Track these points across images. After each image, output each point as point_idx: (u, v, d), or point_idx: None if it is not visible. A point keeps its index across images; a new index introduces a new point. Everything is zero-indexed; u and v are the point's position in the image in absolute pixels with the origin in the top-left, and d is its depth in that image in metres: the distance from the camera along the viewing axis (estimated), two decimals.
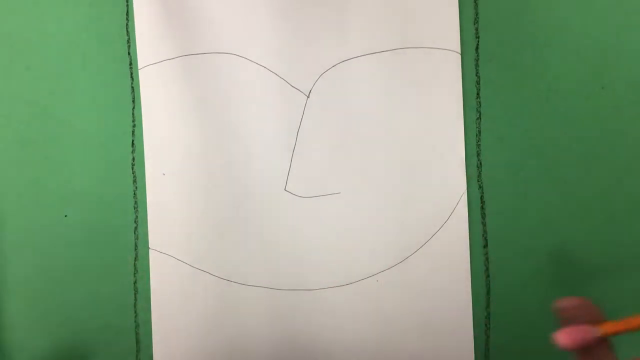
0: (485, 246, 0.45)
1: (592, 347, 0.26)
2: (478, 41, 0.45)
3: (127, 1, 0.47)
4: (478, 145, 0.45)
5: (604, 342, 0.27)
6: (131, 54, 0.47)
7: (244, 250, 0.46)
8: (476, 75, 0.45)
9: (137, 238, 0.47)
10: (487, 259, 0.45)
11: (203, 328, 0.47)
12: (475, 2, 0.45)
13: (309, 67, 0.46)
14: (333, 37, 0.45)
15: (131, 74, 0.47)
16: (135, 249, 0.47)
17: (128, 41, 0.47)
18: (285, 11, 0.46)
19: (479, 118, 0.45)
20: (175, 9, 0.46)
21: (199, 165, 0.46)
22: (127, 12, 0.47)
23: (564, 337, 0.26)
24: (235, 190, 0.46)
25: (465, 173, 0.45)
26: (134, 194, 0.47)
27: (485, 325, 0.45)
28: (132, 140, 0.47)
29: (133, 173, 0.47)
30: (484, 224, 0.45)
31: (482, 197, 0.45)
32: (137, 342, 0.47)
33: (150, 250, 0.47)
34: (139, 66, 0.47)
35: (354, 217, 0.46)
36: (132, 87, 0.47)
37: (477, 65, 0.45)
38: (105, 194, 0.47)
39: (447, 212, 0.45)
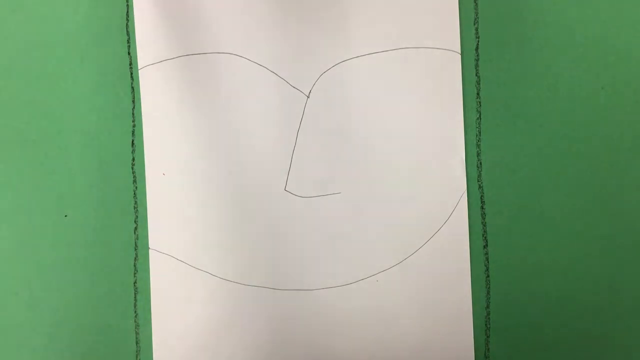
0: (485, 246, 0.45)
1: None
2: (478, 41, 0.45)
3: (127, 1, 0.47)
4: (478, 145, 0.45)
5: None
6: (131, 54, 0.47)
7: (244, 250, 0.46)
8: (476, 75, 0.45)
9: (137, 238, 0.47)
10: (487, 259, 0.45)
11: (203, 328, 0.47)
12: (475, 2, 0.45)
13: (309, 67, 0.46)
14: (333, 37, 0.45)
15: (131, 74, 0.47)
16: (135, 249, 0.47)
17: (128, 41, 0.47)
18: (285, 11, 0.46)
19: (479, 118, 0.45)
20: (175, 9, 0.46)
21: (199, 165, 0.46)
22: (127, 12, 0.47)
23: None
24: (235, 190, 0.46)
25: (465, 173, 0.45)
26: (134, 194, 0.47)
27: (485, 325, 0.45)
28: (132, 140, 0.47)
29: (133, 173, 0.47)
30: (484, 224, 0.45)
31: (482, 197, 0.45)
32: (137, 342, 0.47)
33: (150, 250, 0.47)
34: (139, 66, 0.47)
35: (354, 217, 0.46)
36: (132, 87, 0.47)
37: (477, 65, 0.45)
38: (105, 194, 0.47)
39: (447, 212, 0.45)
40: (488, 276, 0.45)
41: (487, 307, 0.45)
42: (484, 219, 0.45)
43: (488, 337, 0.45)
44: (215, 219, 0.46)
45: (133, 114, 0.47)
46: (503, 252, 0.45)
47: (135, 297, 0.47)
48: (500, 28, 0.45)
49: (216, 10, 0.46)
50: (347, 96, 0.46)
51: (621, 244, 0.44)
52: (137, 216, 0.47)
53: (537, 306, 0.45)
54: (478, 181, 0.45)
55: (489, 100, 0.45)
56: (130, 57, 0.47)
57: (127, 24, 0.47)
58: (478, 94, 0.45)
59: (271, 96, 0.46)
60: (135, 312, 0.47)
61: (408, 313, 0.45)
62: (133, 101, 0.47)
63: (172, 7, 0.46)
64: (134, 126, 0.47)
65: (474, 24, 0.45)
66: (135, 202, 0.47)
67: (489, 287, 0.45)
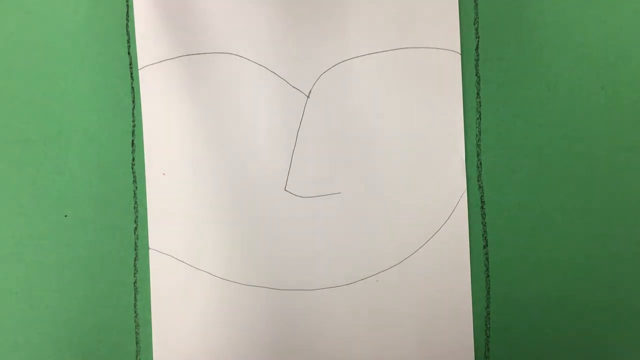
0: (485, 246, 0.45)
1: None
2: (478, 41, 0.45)
3: (127, 1, 0.47)
4: (478, 145, 0.45)
5: None
6: (131, 54, 0.47)
7: (244, 251, 0.46)
8: (476, 75, 0.45)
9: (137, 238, 0.47)
10: (487, 259, 0.45)
11: (203, 328, 0.47)
12: (475, 2, 0.45)
13: (309, 67, 0.46)
14: (333, 37, 0.45)
15: (131, 74, 0.47)
16: (135, 249, 0.47)
17: (128, 41, 0.47)
18: (285, 11, 0.46)
19: (479, 118, 0.45)
20: (175, 9, 0.46)
21: (199, 165, 0.46)
22: (127, 12, 0.47)
23: None
24: (235, 190, 0.46)
25: (465, 173, 0.45)
26: (134, 194, 0.47)
27: (485, 325, 0.45)
28: (132, 140, 0.47)
29: (133, 173, 0.47)
30: (484, 224, 0.45)
31: (482, 197, 0.45)
32: (137, 342, 0.47)
33: (150, 250, 0.47)
34: (139, 66, 0.47)
35: (354, 217, 0.46)
36: (132, 87, 0.47)
37: (477, 65, 0.45)
38: (105, 194, 0.47)
39: (447, 212, 0.45)
40: (488, 276, 0.45)
41: (487, 307, 0.45)
42: (484, 219, 0.45)
43: (488, 337, 0.45)
44: (215, 219, 0.46)
45: (133, 114, 0.47)
46: (503, 252, 0.45)
47: (135, 297, 0.47)
48: (500, 28, 0.45)
49: (216, 10, 0.46)
50: (347, 96, 0.46)
51: (621, 244, 0.44)
52: (137, 216, 0.47)
53: (537, 306, 0.45)
54: (478, 181, 0.45)
55: (489, 100, 0.45)
56: (130, 57, 0.47)
57: (127, 24, 0.47)
58: (478, 94, 0.45)
59: (271, 96, 0.46)
60: (135, 312, 0.47)
61: (408, 313, 0.45)
62: (133, 101, 0.47)
63: (172, 7, 0.46)
64: (134, 126, 0.47)
65: (474, 24, 0.45)
66: (135, 202, 0.47)
67: (489, 287, 0.45)
